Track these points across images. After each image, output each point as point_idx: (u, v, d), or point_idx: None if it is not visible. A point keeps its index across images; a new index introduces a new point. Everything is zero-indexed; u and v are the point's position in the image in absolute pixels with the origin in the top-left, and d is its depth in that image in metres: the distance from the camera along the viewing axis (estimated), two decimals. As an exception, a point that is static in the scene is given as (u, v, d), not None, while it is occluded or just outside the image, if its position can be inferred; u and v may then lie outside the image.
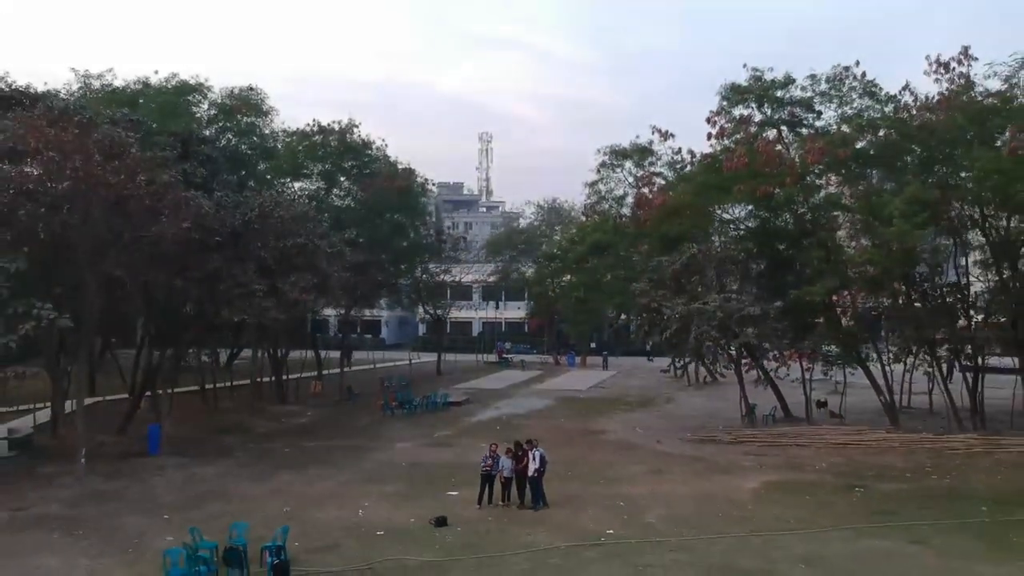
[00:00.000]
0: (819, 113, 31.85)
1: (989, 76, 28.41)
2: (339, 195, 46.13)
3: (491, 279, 74.14)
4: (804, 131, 31.84)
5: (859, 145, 30.73)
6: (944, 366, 33.46)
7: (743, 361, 34.53)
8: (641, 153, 35.99)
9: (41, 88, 30.44)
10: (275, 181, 42.56)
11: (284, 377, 42.85)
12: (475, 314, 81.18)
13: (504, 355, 67.50)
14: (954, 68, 29.23)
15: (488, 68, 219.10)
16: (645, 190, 33.56)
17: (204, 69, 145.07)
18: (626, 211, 35.96)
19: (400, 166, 46.28)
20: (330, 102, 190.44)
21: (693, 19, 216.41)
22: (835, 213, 32.34)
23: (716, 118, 31.07)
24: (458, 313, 72.66)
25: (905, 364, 34.63)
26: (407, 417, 37.45)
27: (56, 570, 16.48)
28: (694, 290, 31.24)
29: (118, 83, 40.56)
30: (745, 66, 31.61)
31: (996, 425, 31.68)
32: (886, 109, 30.24)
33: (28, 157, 22.24)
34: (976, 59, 28.94)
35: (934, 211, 27.78)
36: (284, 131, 44.83)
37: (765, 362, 35.02)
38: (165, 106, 38.79)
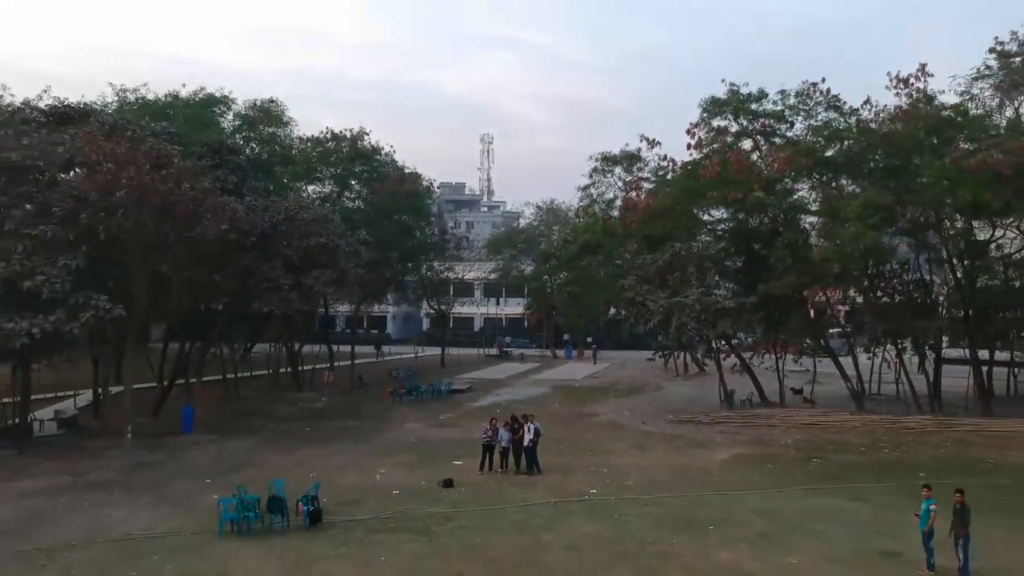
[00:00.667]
0: (791, 124, 34.78)
1: (943, 91, 31.53)
2: (350, 197, 49.14)
3: (492, 276, 76.27)
4: (777, 141, 34.81)
5: (828, 154, 33.73)
6: (911, 357, 36.31)
7: (722, 350, 37.57)
8: (630, 160, 38.68)
9: (81, 100, 33.68)
10: (291, 185, 45.67)
11: (300, 368, 45.91)
12: (477, 310, 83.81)
13: (504, 349, 70.15)
14: (912, 83, 32.32)
15: (488, 68, 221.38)
16: (632, 194, 36.44)
17: (205, 65, 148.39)
18: (615, 213, 38.63)
19: (407, 170, 49.32)
20: (330, 101, 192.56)
21: (693, 19, 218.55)
22: (800, 216, 35.28)
23: (695, 129, 34.07)
24: (460, 309, 75.84)
25: (874, 354, 37.58)
26: (415, 403, 40.31)
27: (123, 519, 19.55)
28: (676, 285, 34.23)
29: (150, 96, 43.92)
30: (723, 81, 34.75)
31: (953, 409, 34.77)
32: (850, 121, 33.21)
33: (87, 168, 25.19)
34: (932, 75, 32.09)
35: (889, 214, 30.73)
36: (299, 138, 47.99)
37: (742, 351, 38.08)
38: (193, 118, 42.05)
